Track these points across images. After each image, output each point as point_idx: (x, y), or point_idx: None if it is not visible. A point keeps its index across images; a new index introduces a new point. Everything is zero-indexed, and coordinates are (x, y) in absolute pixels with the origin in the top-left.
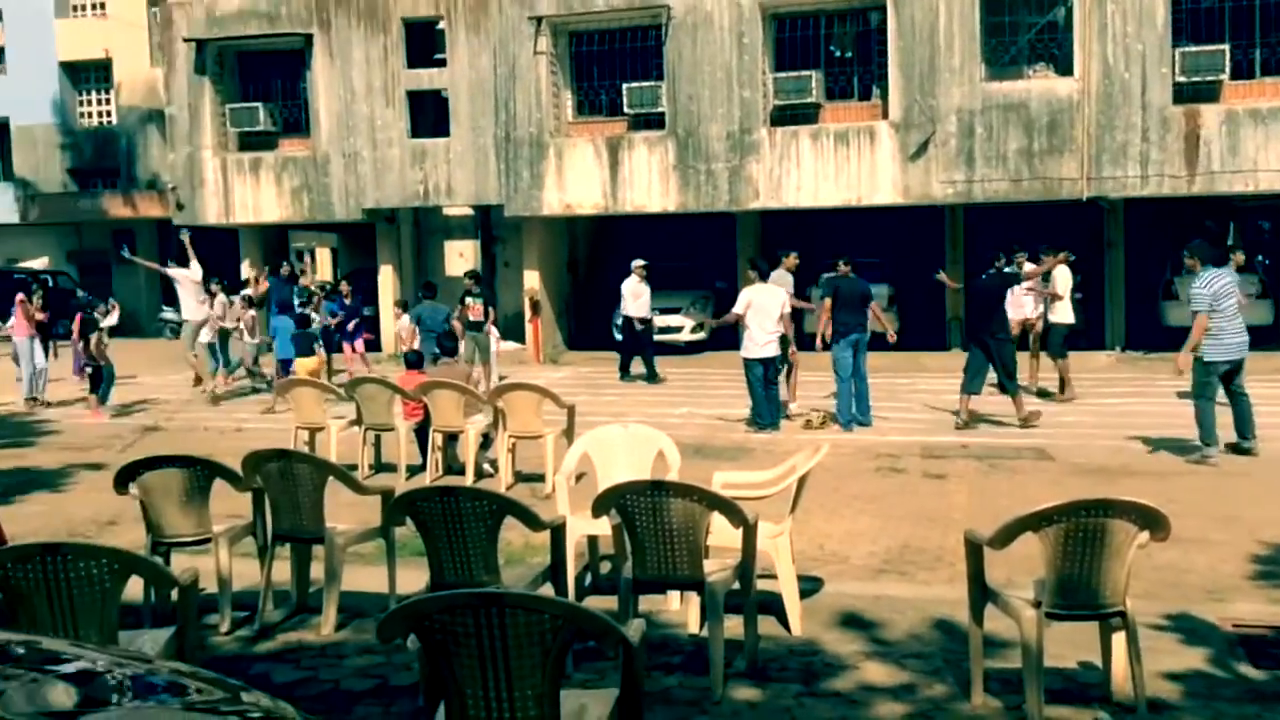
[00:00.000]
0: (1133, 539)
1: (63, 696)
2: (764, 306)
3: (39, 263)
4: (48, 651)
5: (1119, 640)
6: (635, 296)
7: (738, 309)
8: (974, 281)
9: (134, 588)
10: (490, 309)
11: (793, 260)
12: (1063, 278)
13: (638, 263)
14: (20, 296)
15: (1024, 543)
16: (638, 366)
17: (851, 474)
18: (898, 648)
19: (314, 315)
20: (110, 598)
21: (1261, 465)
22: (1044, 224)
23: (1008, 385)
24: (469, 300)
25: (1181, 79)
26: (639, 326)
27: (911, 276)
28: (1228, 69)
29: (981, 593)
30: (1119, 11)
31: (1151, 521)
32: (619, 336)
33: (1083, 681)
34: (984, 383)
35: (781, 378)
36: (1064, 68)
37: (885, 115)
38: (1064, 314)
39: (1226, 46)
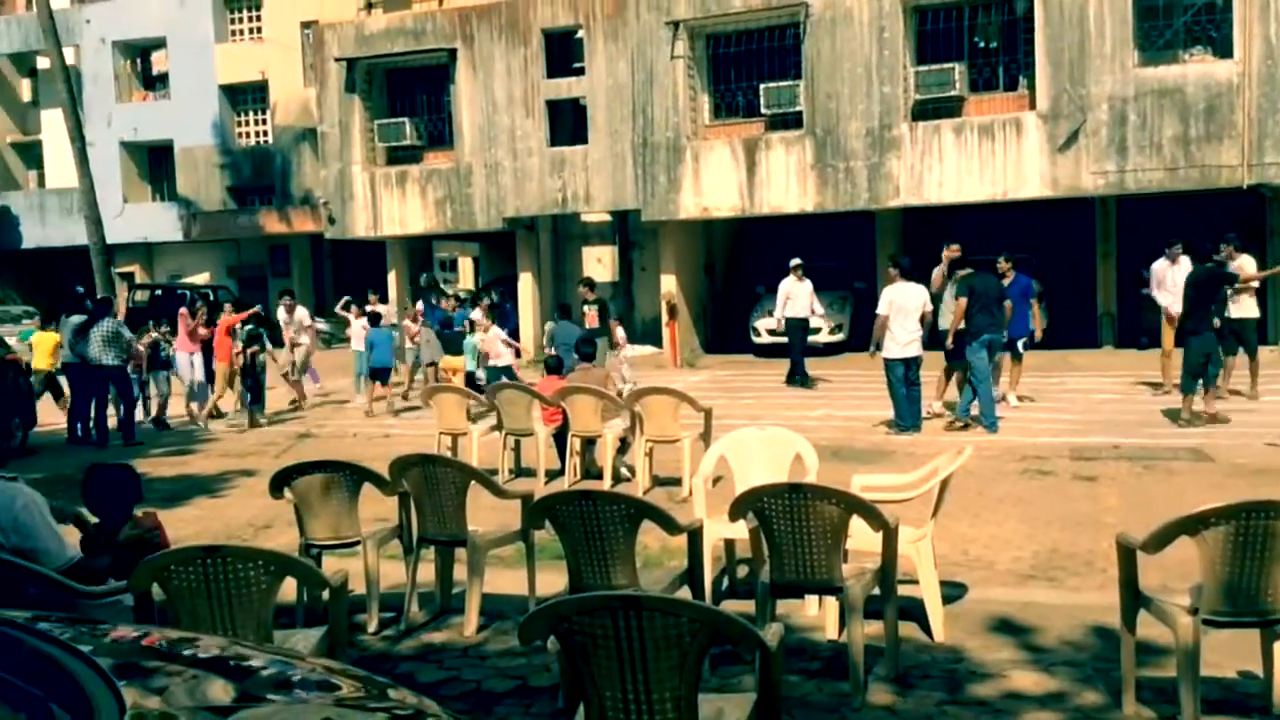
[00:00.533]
0: None
1: (221, 692)
2: (905, 305)
3: (200, 278)
4: (208, 649)
5: None
6: (789, 297)
7: (881, 309)
8: (1190, 273)
9: (287, 588)
10: (606, 316)
11: (953, 251)
12: (1250, 269)
13: (794, 262)
14: (182, 311)
15: (1180, 547)
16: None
17: (997, 477)
18: (1046, 655)
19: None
20: (266, 598)
21: None
22: (1201, 214)
23: (1188, 383)
24: (585, 309)
25: None
26: (764, 332)
27: (1059, 272)
28: None
29: (1134, 598)
30: None
31: None
32: (755, 340)
33: (1242, 692)
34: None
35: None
36: (1223, 50)
37: (1032, 106)
38: (1250, 308)
39: None
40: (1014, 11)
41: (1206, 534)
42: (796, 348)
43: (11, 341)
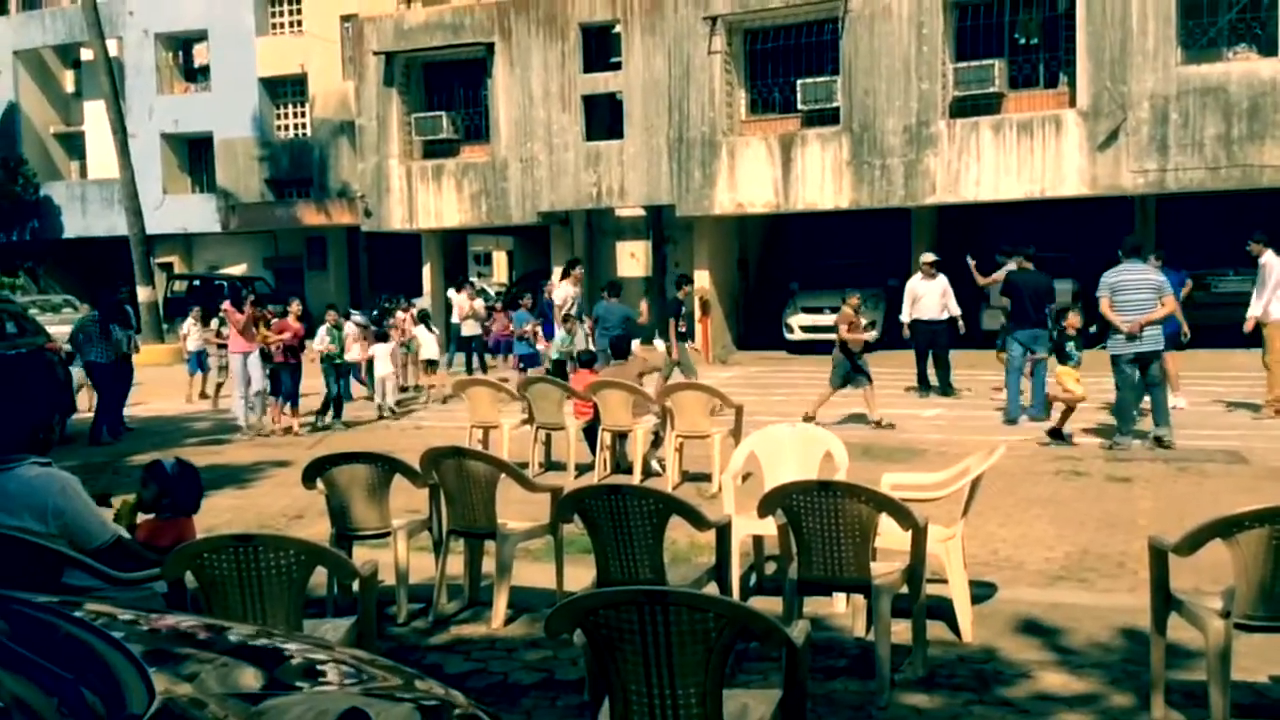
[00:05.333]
0: None
1: (251, 679)
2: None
3: (238, 269)
4: (239, 637)
5: None
6: (917, 297)
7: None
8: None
9: (318, 578)
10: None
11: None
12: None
13: (926, 257)
14: (227, 305)
15: (1213, 550)
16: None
17: (1029, 477)
18: (1075, 657)
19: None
20: (296, 587)
21: None
22: (1242, 214)
23: None
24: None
25: None
26: (797, 329)
27: (1097, 271)
28: None
29: (1165, 601)
30: None
31: None
32: (788, 336)
33: (1274, 697)
34: None
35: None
36: (1268, 48)
37: (1072, 103)
38: None
39: None
40: (1055, 8)
41: (1240, 537)
42: (921, 354)
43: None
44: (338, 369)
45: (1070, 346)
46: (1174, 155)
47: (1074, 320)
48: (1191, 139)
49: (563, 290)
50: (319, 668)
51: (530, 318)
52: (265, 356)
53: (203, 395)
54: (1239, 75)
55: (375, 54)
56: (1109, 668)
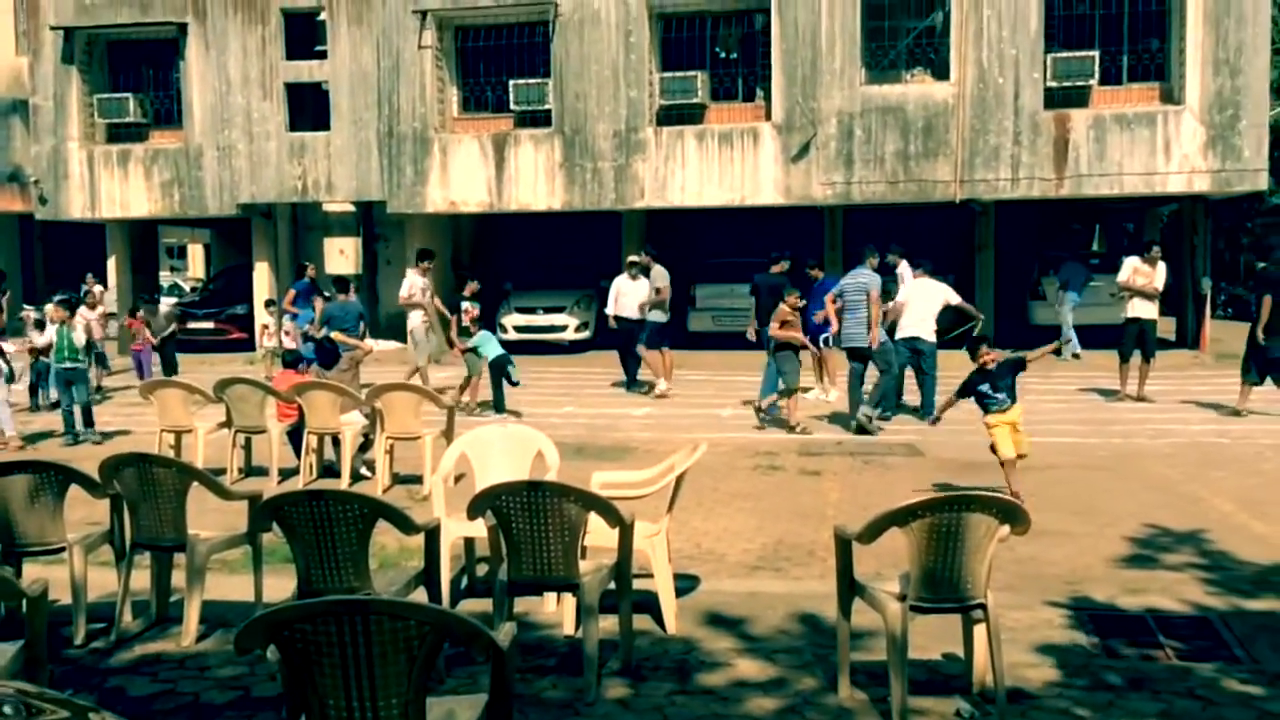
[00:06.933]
0: (994, 533)
1: None
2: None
3: None
4: None
5: (980, 632)
6: (620, 294)
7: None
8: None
9: None
10: None
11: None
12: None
13: (631, 258)
14: None
15: (893, 537)
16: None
17: (730, 472)
18: (769, 643)
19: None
20: None
21: (1121, 460)
22: (919, 226)
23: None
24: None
25: (1052, 84)
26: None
27: (791, 278)
28: (1097, 74)
29: (849, 587)
30: (994, 17)
31: (1011, 516)
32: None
33: (946, 673)
34: None
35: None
36: (941, 72)
37: (768, 117)
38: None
39: (1096, 52)
40: (753, 24)
41: (913, 525)
42: (621, 350)
43: None
44: (70, 374)
45: (985, 388)
46: (858, 169)
47: (991, 356)
48: (874, 154)
49: (410, 280)
50: None
51: (312, 316)
52: None
53: None
54: (915, 96)
55: (52, 28)
56: (799, 652)
